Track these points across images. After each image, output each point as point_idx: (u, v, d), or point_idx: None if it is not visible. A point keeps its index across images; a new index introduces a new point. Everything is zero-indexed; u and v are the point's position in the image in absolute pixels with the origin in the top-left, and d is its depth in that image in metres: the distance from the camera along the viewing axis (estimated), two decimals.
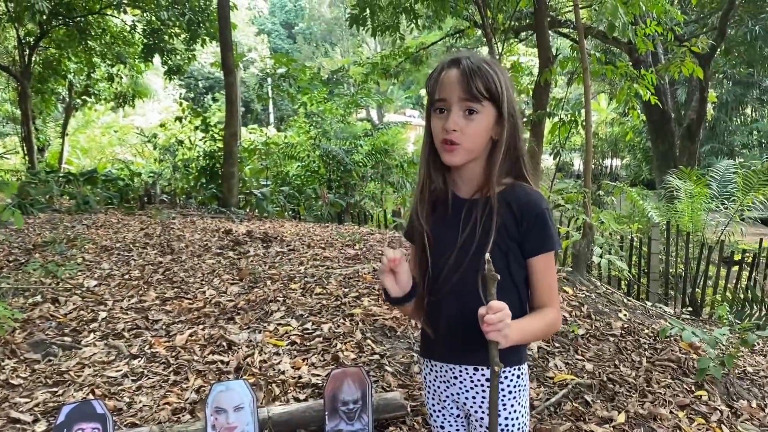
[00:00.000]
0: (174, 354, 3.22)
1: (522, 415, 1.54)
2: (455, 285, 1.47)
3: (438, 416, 1.64)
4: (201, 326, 3.56)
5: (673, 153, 15.88)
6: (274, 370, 3.05)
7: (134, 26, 13.23)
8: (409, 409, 2.76)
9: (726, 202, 9.97)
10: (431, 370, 1.62)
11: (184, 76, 19.45)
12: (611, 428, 2.75)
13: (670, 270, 8.46)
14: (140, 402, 2.81)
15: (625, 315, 4.13)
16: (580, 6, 17.47)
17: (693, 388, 3.18)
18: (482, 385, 1.51)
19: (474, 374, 1.51)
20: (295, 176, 12.41)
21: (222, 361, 3.14)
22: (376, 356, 3.19)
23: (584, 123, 10.49)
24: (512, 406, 1.52)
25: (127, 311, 3.85)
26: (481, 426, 1.54)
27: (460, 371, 1.52)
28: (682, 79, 16.44)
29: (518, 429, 1.53)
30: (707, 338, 3.39)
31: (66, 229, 6.61)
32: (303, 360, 3.16)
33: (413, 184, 12.48)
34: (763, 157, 18.23)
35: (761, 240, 8.38)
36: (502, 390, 1.51)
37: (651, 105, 12.60)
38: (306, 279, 4.36)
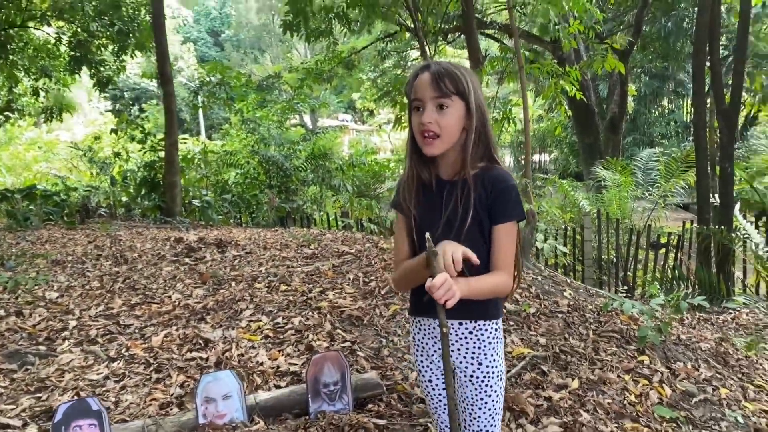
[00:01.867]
0: (152, 354, 3.33)
1: (500, 364, 1.80)
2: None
3: (426, 371, 1.86)
4: (174, 327, 3.67)
5: (598, 145, 16.66)
6: (253, 362, 3.21)
7: (59, 38, 12.93)
8: (384, 388, 2.97)
9: (650, 189, 10.61)
10: (420, 328, 1.85)
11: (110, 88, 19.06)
12: (567, 393, 3.04)
13: (603, 256, 8.95)
14: (126, 400, 2.92)
15: (569, 294, 4.47)
16: (504, 8, 18.07)
17: (636, 354, 3.51)
18: (465, 338, 1.76)
19: (459, 328, 1.76)
20: (235, 184, 12.42)
21: (201, 357, 3.27)
22: (348, 343, 3.40)
23: (516, 120, 10.97)
24: (492, 355, 1.77)
25: (97, 318, 3.92)
26: (464, 375, 1.78)
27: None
28: (603, 74, 17.29)
29: (498, 376, 1.79)
30: (645, 309, 3.75)
31: (10, 246, 6.51)
32: (279, 351, 3.34)
33: (355, 185, 12.71)
34: (681, 146, 19.34)
35: (684, 223, 8.94)
36: (485, 340, 1.77)
37: (576, 100, 13.20)
38: (269, 278, 4.52)
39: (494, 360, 1.78)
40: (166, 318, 3.87)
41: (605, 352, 3.48)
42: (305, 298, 4.04)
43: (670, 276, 8.64)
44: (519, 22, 17.61)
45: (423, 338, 1.85)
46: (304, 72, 13.33)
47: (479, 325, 1.76)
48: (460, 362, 1.78)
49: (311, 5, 11.01)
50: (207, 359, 3.24)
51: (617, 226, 8.80)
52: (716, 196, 8.50)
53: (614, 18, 16.28)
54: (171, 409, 2.84)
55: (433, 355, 1.84)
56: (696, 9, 14.22)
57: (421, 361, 1.88)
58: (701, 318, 5.47)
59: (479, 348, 1.76)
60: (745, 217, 8.84)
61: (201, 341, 3.46)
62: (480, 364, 1.76)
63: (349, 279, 4.41)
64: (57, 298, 4.40)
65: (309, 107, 17.38)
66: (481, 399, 1.78)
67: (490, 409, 1.78)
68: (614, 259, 8.86)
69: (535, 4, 7.71)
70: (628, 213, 10.32)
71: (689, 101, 22.80)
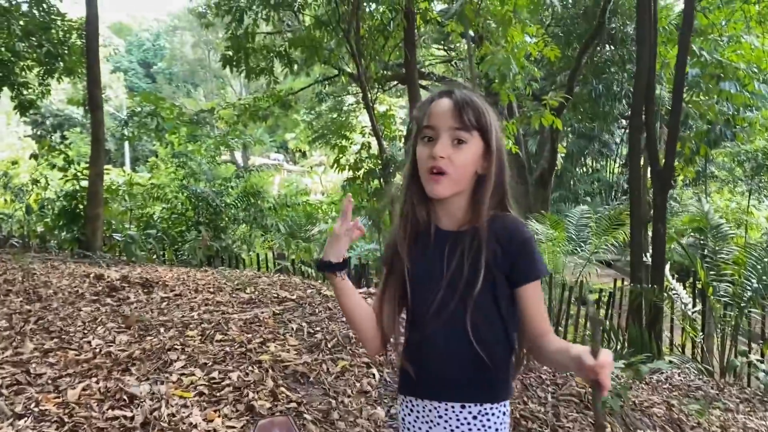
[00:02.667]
0: (67, 411, 2.91)
1: None
2: (445, 322, 1.45)
3: None
4: (94, 379, 3.25)
5: (528, 199, 16.96)
6: (186, 423, 2.84)
7: None
8: None
9: (582, 245, 10.75)
10: (411, 410, 1.57)
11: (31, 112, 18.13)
12: None
13: None
14: None
15: None
16: (440, 61, 18.34)
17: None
18: (468, 424, 1.48)
19: (461, 412, 1.48)
20: (161, 219, 11.86)
21: (125, 417, 2.87)
22: (293, 404, 3.07)
23: None
24: None
25: (2, 366, 3.44)
26: None
27: (446, 410, 1.49)
28: (532, 131, 17.75)
29: None
30: None
31: None
32: (215, 411, 2.97)
33: (288, 226, 12.37)
34: (605, 204, 19.96)
35: (615, 281, 9.05)
36: (491, 427, 1.48)
37: (509, 154, 13.35)
38: (203, 325, 4.14)
39: None
40: (85, 367, 3.43)
41: (566, 418, 3.30)
42: (244, 349, 3.69)
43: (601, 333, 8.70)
44: (456, 75, 17.96)
45: (415, 422, 1.56)
46: (241, 108, 13.02)
47: (485, 408, 1.47)
48: None
49: (252, 42, 10.83)
50: (132, 419, 2.85)
51: (550, 281, 8.80)
52: (648, 255, 8.66)
53: (546, 77, 16.80)
54: None
55: None
56: (626, 74, 14.91)
57: None
58: (635, 379, 5.41)
59: None
60: (673, 276, 9.02)
61: (125, 397, 3.05)
62: None
63: (292, 329, 4.08)
64: None
65: (242, 144, 17.04)
66: None
67: None
68: None
69: (491, 58, 7.75)
70: (561, 268, 10.39)
71: (613, 162, 23.75)
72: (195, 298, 5.03)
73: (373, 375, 3.47)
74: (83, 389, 3.12)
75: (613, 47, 15.50)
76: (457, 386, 1.47)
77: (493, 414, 1.48)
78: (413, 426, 1.56)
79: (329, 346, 3.80)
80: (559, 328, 8.51)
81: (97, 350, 3.71)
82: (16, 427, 2.78)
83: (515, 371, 1.54)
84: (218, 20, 11.40)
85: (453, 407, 1.48)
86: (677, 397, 4.89)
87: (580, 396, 3.60)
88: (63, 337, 3.98)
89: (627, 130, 18.71)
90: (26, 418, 2.86)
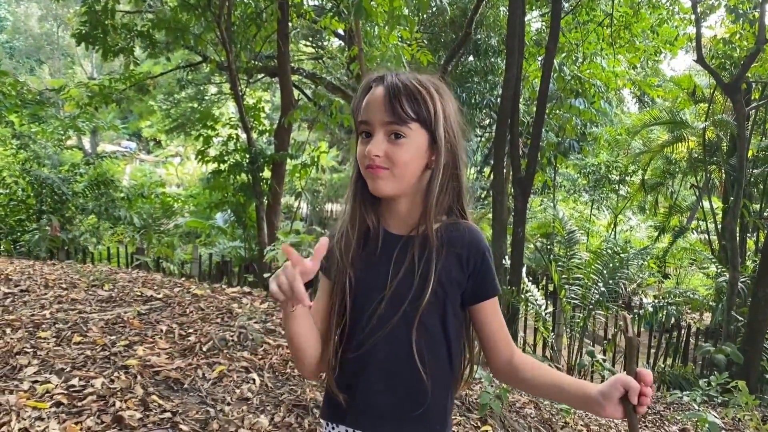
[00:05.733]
0: None
1: None
2: (385, 338, 1.28)
3: None
4: None
5: None
6: None
7: None
8: None
9: None
10: None
11: None
12: None
13: None
14: None
15: None
16: (309, 57, 18.20)
17: (479, 424, 3.36)
18: None
19: None
20: None
21: None
22: (168, 414, 2.80)
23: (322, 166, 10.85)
24: None
25: None
26: None
27: None
28: None
29: None
30: (485, 375, 3.64)
31: None
32: (76, 424, 2.64)
33: (143, 218, 11.63)
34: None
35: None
36: None
37: None
38: (58, 325, 3.70)
39: None
40: None
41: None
42: (107, 353, 3.33)
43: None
44: (323, 72, 17.87)
45: None
46: (94, 89, 12.03)
47: None
48: None
49: (112, 19, 10.05)
50: None
51: None
52: (507, 258, 9.03)
53: None
54: None
55: None
56: (487, 84, 15.54)
57: None
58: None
59: None
60: (529, 279, 9.49)
61: None
62: None
63: (161, 331, 3.75)
64: None
65: (92, 129, 15.84)
66: None
67: None
68: None
69: (379, 54, 7.70)
70: None
71: (472, 170, 24.72)
72: (45, 294, 4.51)
73: (253, 380, 3.26)
74: None
75: (476, 58, 16.11)
76: (396, 416, 1.30)
77: None
78: None
79: (204, 349, 3.52)
80: None
81: None
82: None
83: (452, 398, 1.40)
84: None
85: None
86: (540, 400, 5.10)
87: (462, 398, 3.61)
88: None
89: (482, 139, 19.56)
90: None
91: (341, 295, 1.32)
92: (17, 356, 3.22)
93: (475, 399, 3.57)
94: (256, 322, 4.00)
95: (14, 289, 4.67)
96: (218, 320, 4.08)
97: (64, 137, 12.12)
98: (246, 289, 5.51)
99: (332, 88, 16.16)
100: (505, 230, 9.03)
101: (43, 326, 3.68)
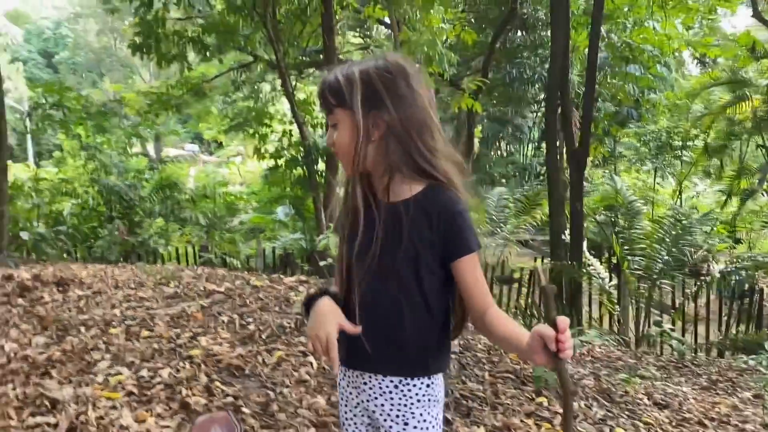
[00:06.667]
0: None
1: (433, 426, 1.51)
2: (365, 293, 1.47)
3: (349, 424, 1.60)
4: (10, 385, 3.02)
5: None
6: (115, 426, 2.68)
7: None
8: None
9: (503, 226, 10.99)
10: (344, 375, 1.59)
11: None
12: None
13: None
14: None
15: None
16: (357, 48, 18.32)
17: (533, 396, 3.40)
18: (390, 393, 1.49)
19: (382, 381, 1.49)
20: (71, 215, 11.28)
21: (48, 423, 2.68)
22: (230, 398, 2.96)
23: None
24: (422, 415, 1.49)
25: None
26: None
27: (369, 377, 1.51)
28: (449, 116, 17.95)
29: None
30: None
31: None
32: (146, 411, 2.82)
33: (207, 218, 12.04)
34: (520, 187, 20.52)
35: (535, 258, 9.30)
36: (413, 398, 1.48)
37: None
38: (127, 322, 3.93)
39: (425, 421, 1.49)
40: (0, 374, 3.19)
41: (504, 395, 3.33)
42: (173, 345, 3.53)
43: (523, 309, 8.93)
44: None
45: (346, 387, 1.59)
46: (152, 97, 12.50)
47: (405, 380, 1.48)
48: (384, 420, 1.50)
49: (163, 28, 10.40)
50: (56, 425, 2.66)
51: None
52: (566, 233, 8.93)
53: (461, 63, 17.02)
54: None
55: (356, 407, 1.57)
56: (537, 59, 15.29)
57: (345, 413, 1.61)
58: None
59: (405, 406, 1.48)
60: (591, 253, 9.35)
61: (47, 402, 2.85)
62: (406, 424, 1.48)
63: (223, 322, 3.94)
64: None
65: (154, 135, 16.44)
66: None
67: None
68: None
69: (416, 40, 7.72)
70: (483, 249, 10.57)
71: (526, 145, 24.39)
72: (115, 294, 4.78)
73: (311, 363, 3.40)
74: None
75: (524, 32, 15.86)
76: (378, 360, 1.48)
77: (414, 385, 1.48)
78: (345, 390, 1.60)
79: (263, 337, 3.69)
80: None
81: (12, 354, 3.46)
82: None
83: (448, 343, 1.55)
84: (124, 5, 10.88)
85: (375, 377, 1.50)
86: (600, 368, 5.07)
87: (516, 372, 3.65)
88: None
89: (539, 114, 19.27)
90: None
91: (341, 258, 1.56)
92: (91, 352, 3.45)
93: (530, 372, 3.60)
94: None
95: (87, 291, 4.96)
96: (276, 309, 4.25)
97: (128, 145, 12.62)
98: (303, 278, 5.68)
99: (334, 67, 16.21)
100: (563, 205, 8.93)
101: (114, 323, 3.92)
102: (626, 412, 3.63)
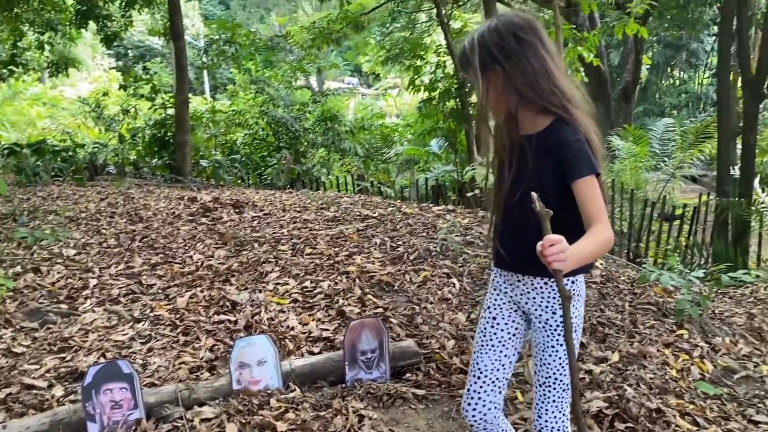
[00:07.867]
0: (179, 316, 3.24)
1: (576, 317, 1.78)
2: (512, 210, 1.75)
3: (495, 308, 1.88)
4: (199, 289, 3.57)
5: (610, 114, 16.39)
6: (284, 326, 3.11)
7: None
8: (422, 357, 2.88)
9: (666, 161, 10.43)
10: (500, 274, 1.88)
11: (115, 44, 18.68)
12: (608, 366, 2.95)
13: (614, 227, 8.81)
14: (154, 363, 2.83)
15: (601, 264, 4.36)
16: None
17: (674, 328, 3.42)
18: (540, 288, 1.77)
19: (533, 280, 1.77)
20: (243, 144, 12.25)
21: (230, 321, 3.18)
22: (380, 309, 3.30)
23: None
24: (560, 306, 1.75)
25: (118, 277, 3.82)
26: (538, 321, 1.80)
27: (523, 277, 1.80)
28: (615, 42, 16.95)
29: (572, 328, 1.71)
30: (683, 282, 3.64)
31: (21, 202, 6.39)
32: (309, 316, 3.24)
33: (365, 149, 12.55)
34: (692, 117, 19.10)
35: (700, 195, 8.80)
36: (556, 293, 1.73)
37: (591, 68, 12.95)
38: (293, 240, 4.40)
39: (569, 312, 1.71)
40: (190, 279, 3.76)
41: (643, 325, 3.39)
42: (332, 261, 3.93)
43: (684, 247, 8.55)
44: None
45: (502, 283, 1.87)
46: (315, 31, 13.01)
47: (551, 280, 1.74)
48: (535, 309, 1.80)
49: None
50: (236, 323, 3.15)
51: (631, 196, 8.62)
52: (736, 168, 8.36)
53: None
54: (201, 374, 2.75)
55: (507, 298, 1.86)
56: None
57: (494, 300, 1.88)
58: (718, 291, 5.37)
59: (553, 298, 1.76)
60: (763, 190, 8.70)
61: (228, 303, 3.36)
62: (554, 313, 1.76)
63: (376, 243, 4.29)
64: (74, 255, 4.29)
65: (317, 69, 17.10)
66: (552, 347, 1.78)
67: (560, 358, 1.78)
68: (625, 230, 8.72)
69: None
70: (642, 184, 10.15)
71: (702, 72, 22.50)
72: (283, 216, 5.31)
73: (453, 284, 3.64)
74: (190, 297, 3.45)
75: None
76: (528, 265, 1.72)
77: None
78: (501, 285, 1.88)
79: (411, 258, 3.99)
80: (641, 244, 8.43)
81: (199, 264, 4.04)
82: (136, 330, 3.13)
83: None
84: None
85: (527, 277, 1.79)
86: (762, 310, 4.87)
87: (658, 305, 3.67)
88: (167, 252, 4.34)
89: (717, 38, 17.63)
90: (143, 322, 3.21)
91: (495, 186, 1.86)
92: (263, 265, 3.94)
93: (673, 306, 3.60)
94: (456, 236, 4.38)
95: (260, 213, 5.54)
96: (424, 234, 4.53)
97: (293, 79, 13.31)
98: (450, 207, 5.91)
99: (542, 0, 15.61)
100: (734, 138, 8.34)
101: (282, 241, 4.40)
102: None
